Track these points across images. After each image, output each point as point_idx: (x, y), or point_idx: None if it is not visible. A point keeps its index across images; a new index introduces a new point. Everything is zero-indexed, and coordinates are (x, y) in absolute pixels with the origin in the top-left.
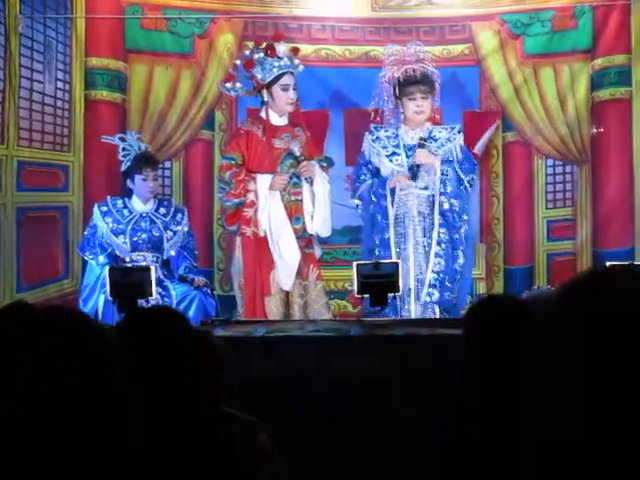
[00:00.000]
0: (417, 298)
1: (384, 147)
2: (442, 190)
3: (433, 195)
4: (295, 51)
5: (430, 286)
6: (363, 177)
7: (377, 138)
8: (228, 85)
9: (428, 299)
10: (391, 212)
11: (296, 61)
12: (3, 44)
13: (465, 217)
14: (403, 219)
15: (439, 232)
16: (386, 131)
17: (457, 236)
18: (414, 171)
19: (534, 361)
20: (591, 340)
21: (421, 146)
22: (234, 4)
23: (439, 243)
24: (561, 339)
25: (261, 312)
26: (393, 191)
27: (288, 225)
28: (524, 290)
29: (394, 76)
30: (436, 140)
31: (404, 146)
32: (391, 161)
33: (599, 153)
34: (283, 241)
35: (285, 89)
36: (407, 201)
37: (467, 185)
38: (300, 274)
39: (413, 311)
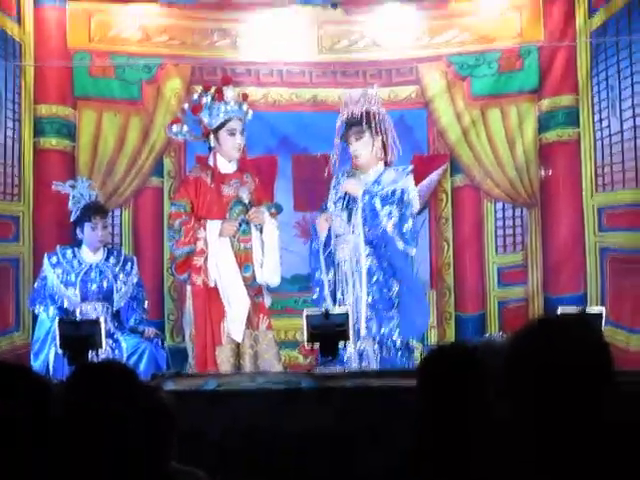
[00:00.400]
0: (354, 343)
1: (336, 192)
2: (363, 220)
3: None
4: (244, 97)
5: (367, 320)
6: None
7: (338, 183)
8: (175, 129)
9: (365, 333)
10: (321, 255)
11: (245, 107)
12: None
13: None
14: (342, 265)
15: (367, 261)
16: (349, 176)
17: (386, 264)
18: (343, 202)
19: (487, 407)
20: (544, 388)
21: (351, 175)
22: (182, 49)
23: (369, 272)
24: (514, 387)
25: (212, 363)
26: (328, 237)
27: (237, 273)
28: (476, 337)
29: (338, 125)
30: (380, 183)
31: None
32: (335, 206)
33: (548, 196)
34: (232, 290)
35: (232, 134)
36: (344, 247)
37: (384, 217)
38: (250, 324)
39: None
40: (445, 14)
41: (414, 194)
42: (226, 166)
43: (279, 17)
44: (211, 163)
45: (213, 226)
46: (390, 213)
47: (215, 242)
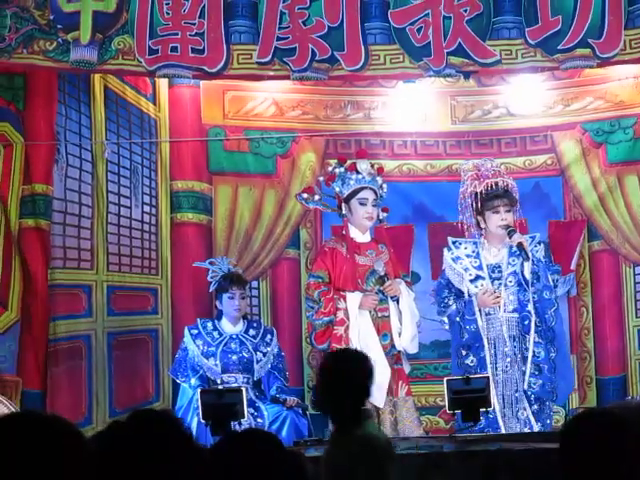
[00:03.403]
0: (515, 415)
1: (465, 269)
2: (534, 281)
3: (522, 317)
4: (380, 170)
5: (531, 375)
6: (446, 301)
7: (457, 257)
8: (305, 195)
9: (529, 388)
10: (483, 333)
11: (379, 180)
12: (90, 171)
13: (552, 310)
14: (494, 342)
15: (535, 322)
16: (466, 248)
17: (547, 329)
18: (521, 252)
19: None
20: None
21: (512, 232)
22: (315, 123)
23: (536, 332)
24: None
25: None
26: (482, 310)
27: (377, 342)
28: (618, 400)
29: (476, 190)
30: (518, 255)
31: (487, 266)
32: (476, 287)
33: None
34: (372, 358)
35: (363, 203)
36: (495, 325)
37: (552, 283)
38: (389, 390)
39: (507, 427)
40: (578, 82)
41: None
42: (360, 236)
43: (411, 89)
44: (345, 232)
45: (354, 298)
46: (556, 281)
47: (355, 314)
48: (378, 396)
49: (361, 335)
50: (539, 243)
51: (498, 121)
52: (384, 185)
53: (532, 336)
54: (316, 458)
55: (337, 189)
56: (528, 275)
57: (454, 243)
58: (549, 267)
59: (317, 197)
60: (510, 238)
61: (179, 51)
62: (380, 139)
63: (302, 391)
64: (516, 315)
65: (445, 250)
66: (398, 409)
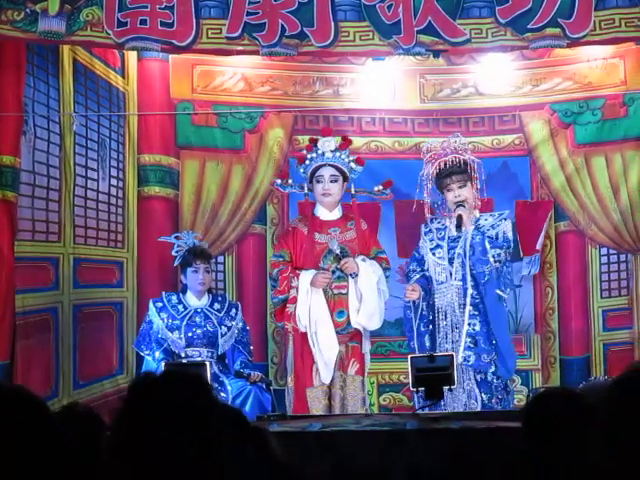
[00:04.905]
0: (461, 386)
1: (431, 240)
2: (471, 254)
3: (464, 289)
4: (345, 139)
5: (466, 348)
6: (412, 273)
7: (429, 231)
8: (279, 182)
9: (462, 361)
10: (437, 302)
11: (341, 155)
12: (58, 143)
13: (484, 281)
14: (445, 312)
15: (472, 295)
16: (439, 222)
17: (482, 302)
18: (457, 223)
19: (590, 452)
20: None
21: (459, 206)
22: (284, 99)
23: (472, 305)
24: (618, 433)
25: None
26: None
27: (328, 319)
28: (581, 381)
29: (430, 172)
30: (480, 228)
31: (449, 237)
32: (434, 254)
33: None
34: (321, 335)
35: (319, 181)
36: (446, 293)
37: (491, 259)
38: (342, 366)
39: (454, 398)
40: (547, 62)
41: (511, 238)
42: (326, 214)
43: (381, 66)
44: (314, 212)
45: (305, 276)
46: (498, 255)
47: (307, 291)
48: (325, 373)
49: (312, 312)
50: (505, 219)
51: (467, 100)
52: (348, 159)
53: (467, 308)
54: (279, 433)
55: (301, 170)
56: (467, 248)
57: (431, 219)
58: (492, 242)
59: (291, 181)
60: (456, 208)
61: (148, 24)
62: (348, 116)
63: (266, 366)
64: (461, 284)
65: (422, 226)
66: (347, 386)
